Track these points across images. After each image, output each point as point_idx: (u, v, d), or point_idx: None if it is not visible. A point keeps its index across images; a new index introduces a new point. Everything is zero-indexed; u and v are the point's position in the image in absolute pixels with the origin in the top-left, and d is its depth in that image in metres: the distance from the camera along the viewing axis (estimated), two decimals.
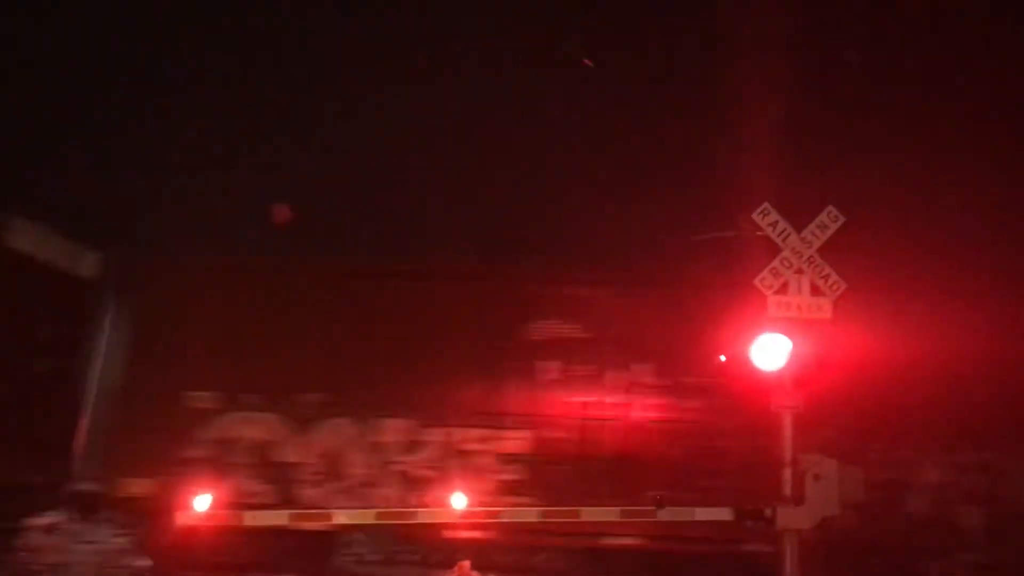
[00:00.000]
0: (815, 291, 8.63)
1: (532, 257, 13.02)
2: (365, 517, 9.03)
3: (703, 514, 8.73)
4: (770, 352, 8.37)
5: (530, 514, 8.94)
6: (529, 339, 10.97)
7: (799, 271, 8.64)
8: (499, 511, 9.00)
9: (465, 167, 18.39)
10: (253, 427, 10.77)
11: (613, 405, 10.87)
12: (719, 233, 9.85)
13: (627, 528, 9.84)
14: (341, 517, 8.94)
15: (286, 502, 10.22)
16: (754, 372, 8.44)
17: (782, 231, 8.69)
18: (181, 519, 8.26)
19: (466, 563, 9.56)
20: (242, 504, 8.82)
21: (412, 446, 10.70)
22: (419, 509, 8.92)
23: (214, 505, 8.30)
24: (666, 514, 8.69)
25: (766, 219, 8.71)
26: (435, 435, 10.67)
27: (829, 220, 8.74)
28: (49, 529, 6.73)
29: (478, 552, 9.99)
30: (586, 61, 17.57)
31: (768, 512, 8.42)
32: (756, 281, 8.61)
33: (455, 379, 10.68)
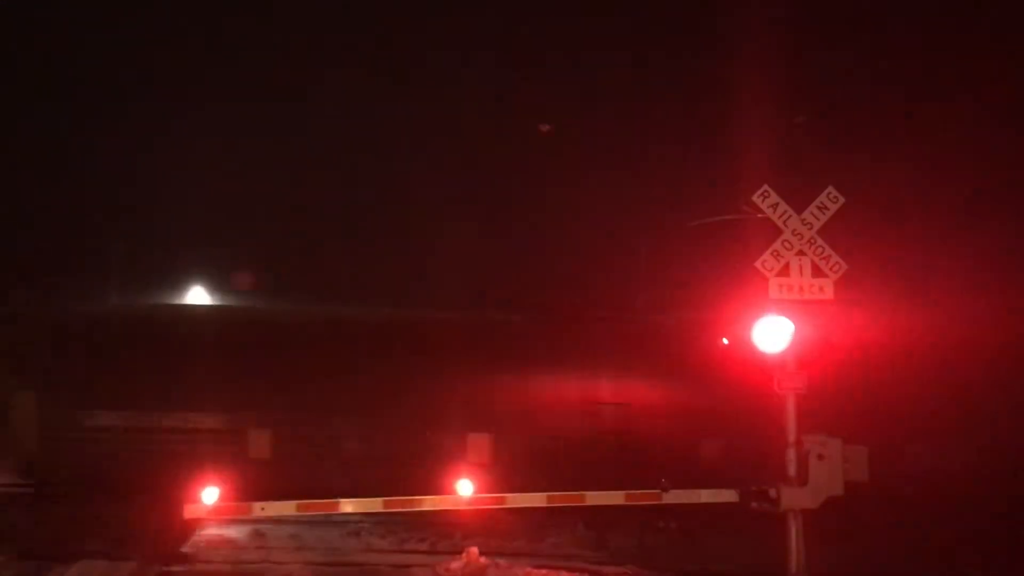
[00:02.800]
0: (816, 272, 8.66)
1: None
2: (373, 505, 9.06)
3: (708, 496, 8.80)
4: (773, 334, 8.41)
5: (536, 499, 8.99)
6: None
7: (800, 253, 8.66)
8: (505, 497, 9.04)
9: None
10: None
11: None
12: (717, 218, 9.88)
13: None
14: (348, 505, 8.97)
15: None
16: (756, 355, 8.50)
17: (783, 213, 8.70)
18: (190, 512, 8.34)
19: (474, 549, 9.64)
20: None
21: None
22: (425, 497, 8.95)
23: (221, 497, 8.39)
24: (671, 497, 8.77)
25: (766, 201, 8.72)
26: None
27: (829, 201, 8.75)
28: None
29: (486, 538, 10.10)
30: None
31: (772, 493, 8.49)
32: (757, 263, 8.63)
33: None
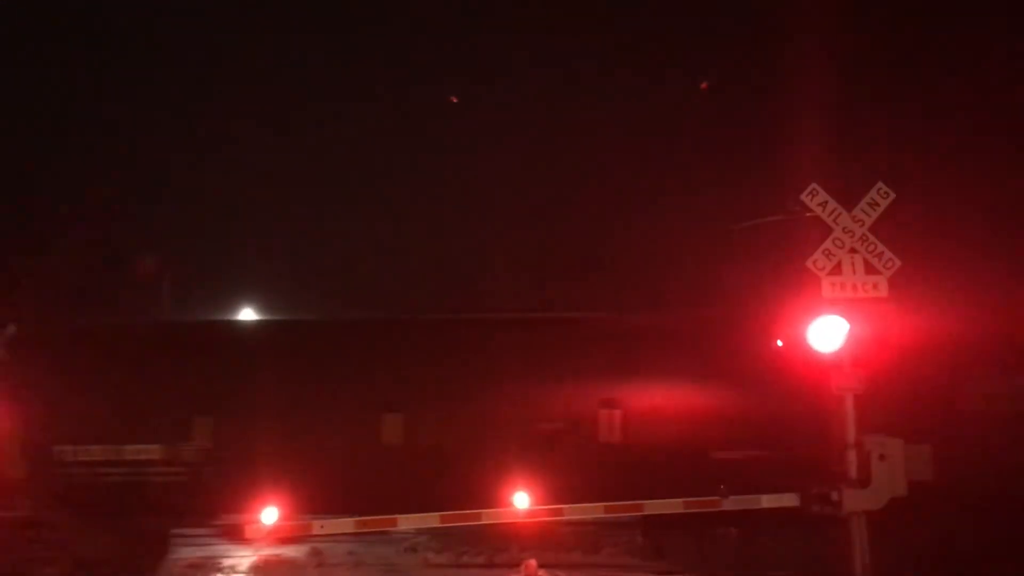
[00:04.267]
0: (870, 270, 8.53)
1: None
2: (430, 520, 9.07)
3: (769, 501, 8.67)
4: (828, 334, 8.30)
5: (594, 510, 8.93)
6: None
7: (852, 250, 8.54)
8: (562, 508, 8.99)
9: None
10: None
11: None
12: (765, 219, 9.76)
13: None
14: (406, 522, 8.99)
15: None
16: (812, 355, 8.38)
17: (832, 211, 8.59)
18: (251, 532, 8.41)
19: (532, 562, 9.60)
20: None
21: None
22: (482, 510, 8.93)
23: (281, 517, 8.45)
24: (731, 503, 8.67)
25: (815, 199, 8.62)
26: None
27: (879, 197, 8.62)
28: None
29: (542, 549, 10.04)
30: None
31: (834, 495, 8.35)
32: (809, 263, 8.52)
33: None
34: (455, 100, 20.63)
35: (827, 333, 8.33)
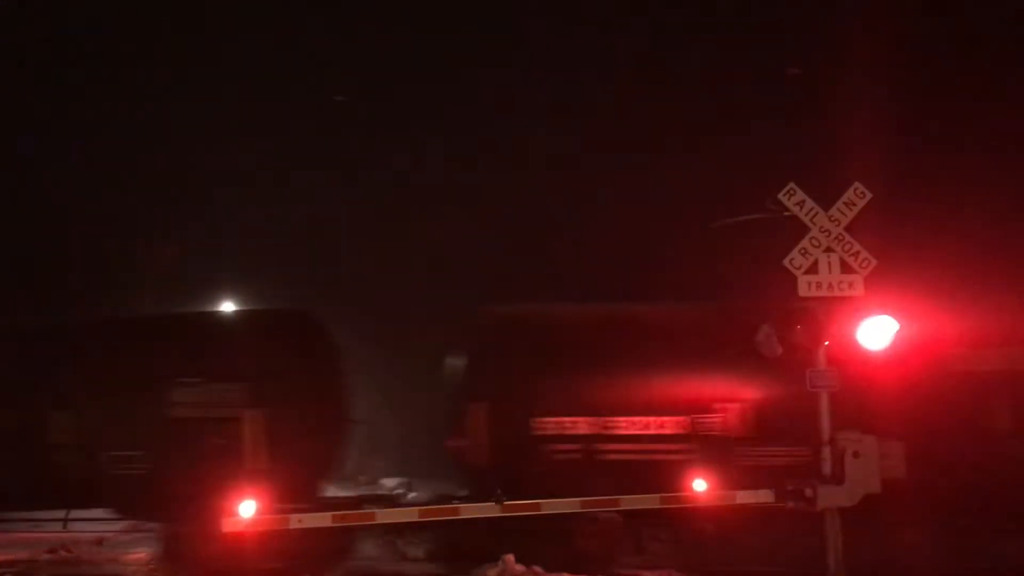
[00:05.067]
0: (846, 269, 8.61)
1: None
2: (409, 515, 9.10)
3: (744, 496, 8.75)
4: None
5: (571, 504, 8.98)
6: None
7: (828, 249, 8.61)
8: (539, 503, 9.03)
9: None
10: None
11: None
12: (743, 217, 9.81)
13: None
14: (385, 516, 9.02)
15: None
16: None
17: (809, 210, 8.67)
18: (229, 525, 8.41)
19: (510, 556, 9.64)
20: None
21: None
22: (460, 505, 8.97)
23: (259, 510, 8.45)
24: (707, 498, 8.74)
25: (792, 199, 8.69)
26: None
27: (856, 197, 8.71)
28: None
29: (522, 544, 10.07)
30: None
31: (808, 492, 8.44)
32: (785, 261, 8.60)
33: None
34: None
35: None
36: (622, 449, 10.36)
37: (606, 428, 10.38)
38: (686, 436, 10.22)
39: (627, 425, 10.34)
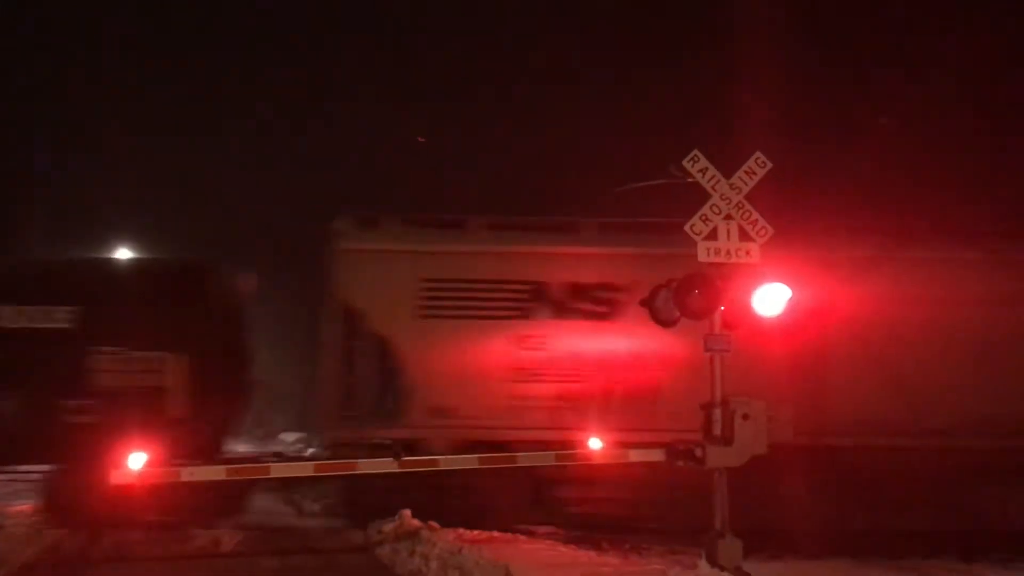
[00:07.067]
0: (744, 236, 8.77)
1: None
2: (304, 470, 9.03)
3: (637, 455, 8.95)
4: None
5: (469, 461, 9.05)
6: None
7: (728, 217, 8.76)
8: (438, 460, 9.08)
9: None
10: None
11: None
12: (645, 183, 9.87)
13: None
14: (279, 470, 8.93)
15: None
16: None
17: (711, 177, 8.77)
18: (117, 478, 8.19)
19: (407, 511, 9.69)
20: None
21: None
22: (357, 461, 8.93)
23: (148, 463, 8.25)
24: (601, 457, 8.91)
25: (696, 166, 8.78)
26: None
27: (757, 166, 8.83)
28: None
29: (423, 501, 10.12)
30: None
31: (698, 452, 8.66)
32: (686, 227, 8.72)
33: None
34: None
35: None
36: None
37: None
38: None
39: None
